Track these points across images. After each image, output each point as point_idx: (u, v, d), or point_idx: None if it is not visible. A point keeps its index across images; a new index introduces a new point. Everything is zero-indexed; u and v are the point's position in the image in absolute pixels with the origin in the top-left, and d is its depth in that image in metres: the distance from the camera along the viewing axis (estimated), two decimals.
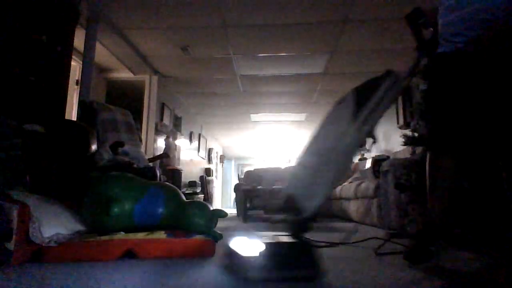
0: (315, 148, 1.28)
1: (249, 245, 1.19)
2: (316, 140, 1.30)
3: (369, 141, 1.22)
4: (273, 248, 1.13)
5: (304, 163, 1.31)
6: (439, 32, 1.43)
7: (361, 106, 1.17)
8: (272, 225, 3.67)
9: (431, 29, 1.50)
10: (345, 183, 5.37)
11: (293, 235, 1.18)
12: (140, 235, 1.73)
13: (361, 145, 1.20)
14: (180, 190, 2.13)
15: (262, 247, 1.12)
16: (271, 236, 1.38)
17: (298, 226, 1.16)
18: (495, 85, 1.25)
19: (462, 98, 1.30)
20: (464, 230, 1.43)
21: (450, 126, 1.34)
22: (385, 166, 3.36)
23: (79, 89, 3.79)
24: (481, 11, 1.27)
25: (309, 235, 2.52)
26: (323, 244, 2.07)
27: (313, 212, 1.11)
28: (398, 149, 5.09)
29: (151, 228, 1.82)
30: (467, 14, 1.30)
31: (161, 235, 1.75)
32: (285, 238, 1.23)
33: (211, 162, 9.92)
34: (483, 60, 1.27)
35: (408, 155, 3.87)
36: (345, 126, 1.18)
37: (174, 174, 5.62)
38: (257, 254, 1.10)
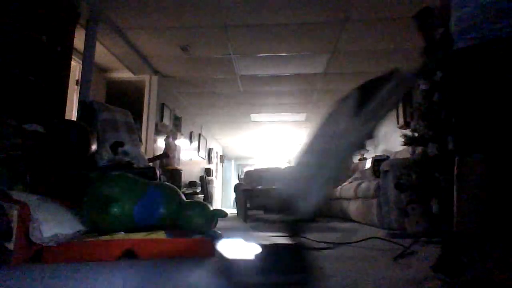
0: (314, 147, 1.25)
1: (242, 248, 1.18)
2: (315, 139, 1.26)
3: (370, 141, 1.19)
4: (267, 251, 1.11)
5: (302, 163, 1.29)
6: (452, 28, 1.38)
7: (364, 105, 1.13)
8: (271, 225, 3.66)
9: (442, 29, 1.43)
10: (345, 183, 5.37)
11: (289, 236, 1.15)
12: (140, 235, 1.73)
13: (362, 145, 1.16)
14: (180, 190, 2.13)
15: (257, 250, 1.09)
16: (266, 237, 1.35)
17: (295, 227, 1.13)
18: None
19: (488, 96, 1.24)
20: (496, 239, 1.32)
21: (478, 127, 1.27)
22: (385, 166, 3.36)
23: (79, 89, 3.79)
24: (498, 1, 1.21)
25: (310, 236, 2.53)
26: (324, 245, 2.07)
27: (310, 213, 1.09)
28: (398, 149, 5.09)
29: (151, 228, 1.82)
30: (482, 5, 1.24)
31: (161, 235, 1.75)
32: (281, 239, 1.21)
33: (211, 162, 9.92)
34: (504, 54, 1.21)
35: (408, 155, 3.87)
36: (346, 125, 1.15)
37: (174, 174, 5.62)
38: (251, 257, 1.08)
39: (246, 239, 1.26)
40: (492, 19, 1.23)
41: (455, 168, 1.33)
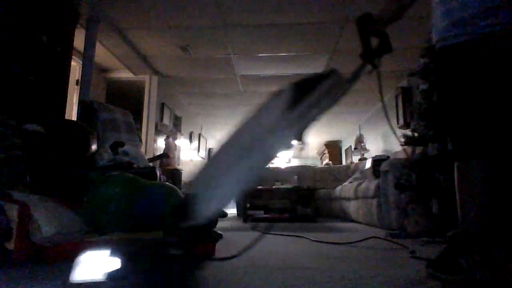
0: (235, 140, 1.10)
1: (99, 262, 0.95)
2: (238, 131, 1.11)
3: (297, 143, 1.06)
4: (129, 265, 0.93)
5: (218, 157, 1.11)
6: (435, 25, 1.36)
7: (297, 102, 1.04)
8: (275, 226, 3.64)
9: (377, 38, 1.42)
10: (345, 183, 5.37)
11: (176, 246, 0.99)
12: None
13: (288, 145, 1.06)
14: (180, 190, 2.13)
15: (115, 265, 0.91)
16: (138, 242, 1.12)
17: (186, 234, 0.97)
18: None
19: (484, 96, 1.21)
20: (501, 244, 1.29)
21: (476, 131, 1.23)
22: (385, 166, 3.36)
23: (79, 89, 3.80)
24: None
25: (310, 236, 2.53)
26: (324, 245, 2.07)
27: (207, 219, 0.91)
28: (398, 149, 5.09)
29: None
30: (466, 3, 1.22)
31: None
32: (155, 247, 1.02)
33: None
34: (494, 51, 1.18)
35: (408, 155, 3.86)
36: (275, 120, 1.04)
37: (174, 174, 5.62)
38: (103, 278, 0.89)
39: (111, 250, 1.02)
40: (481, 14, 1.20)
41: (455, 173, 1.31)
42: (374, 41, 1.40)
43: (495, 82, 1.20)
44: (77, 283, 0.92)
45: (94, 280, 0.88)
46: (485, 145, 1.23)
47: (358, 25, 1.41)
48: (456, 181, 1.30)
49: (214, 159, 1.14)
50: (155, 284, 0.90)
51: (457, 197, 1.30)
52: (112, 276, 0.88)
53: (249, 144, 1.01)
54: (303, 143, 1.04)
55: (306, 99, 1.05)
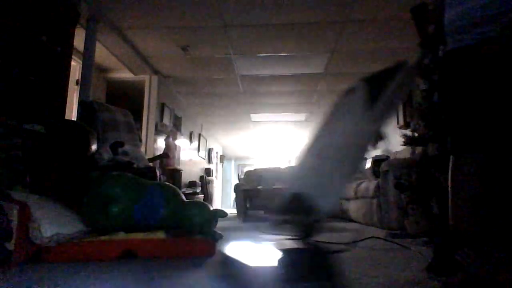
0: (322, 144, 1.16)
1: (254, 252, 1.07)
2: (322, 136, 1.18)
3: (381, 142, 1.13)
4: (292, 257, 0.98)
5: (308, 162, 1.20)
6: (445, 28, 1.39)
7: (375, 98, 1.06)
8: (274, 227, 3.64)
9: (433, 26, 1.44)
10: None
11: (302, 238, 1.04)
12: (140, 235, 1.73)
13: (376, 141, 1.09)
14: (180, 190, 2.13)
15: (276, 255, 0.98)
16: (276, 239, 1.24)
17: (309, 228, 1.03)
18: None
19: (481, 95, 1.24)
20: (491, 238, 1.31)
21: (472, 126, 1.27)
22: (385, 166, 3.36)
23: (79, 89, 3.79)
24: (487, 6, 1.23)
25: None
26: (324, 245, 2.07)
27: (328, 211, 0.99)
28: (398, 149, 5.09)
29: (151, 228, 1.82)
30: (472, 9, 1.25)
31: (161, 235, 1.75)
32: (293, 243, 1.10)
33: (211, 162, 9.92)
34: (497, 55, 1.21)
35: (408, 155, 3.87)
36: (358, 119, 1.07)
37: (174, 174, 5.62)
38: (272, 264, 0.95)
39: (255, 242, 1.17)
40: (483, 20, 1.23)
41: (450, 167, 1.33)
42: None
43: (491, 84, 1.23)
44: (252, 266, 1.03)
45: (266, 265, 0.99)
46: (480, 139, 1.25)
47: (413, 14, 1.42)
48: (449, 175, 1.32)
49: (302, 164, 1.20)
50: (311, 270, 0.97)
51: (449, 190, 1.32)
52: (282, 263, 0.95)
53: (338, 146, 1.07)
54: (386, 138, 1.07)
55: (383, 94, 1.06)
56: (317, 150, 1.18)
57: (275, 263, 0.96)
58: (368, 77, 1.14)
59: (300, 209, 1.02)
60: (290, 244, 1.13)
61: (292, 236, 1.10)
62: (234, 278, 1.14)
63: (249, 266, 1.05)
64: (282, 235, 1.37)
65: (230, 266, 1.18)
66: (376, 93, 1.07)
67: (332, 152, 1.09)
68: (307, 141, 1.20)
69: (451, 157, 1.33)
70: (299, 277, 0.95)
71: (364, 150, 1.08)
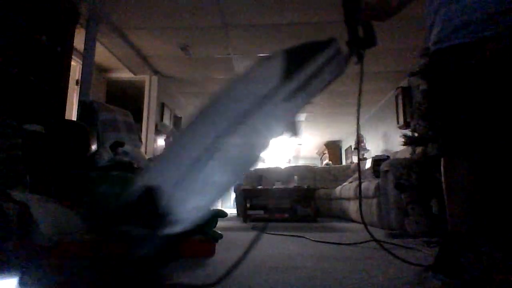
0: (218, 111, 0.83)
1: None
2: (221, 99, 0.87)
3: (290, 133, 0.89)
4: None
5: (193, 133, 0.82)
6: (437, 26, 1.37)
7: (293, 70, 0.86)
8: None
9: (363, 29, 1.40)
10: (345, 183, 5.37)
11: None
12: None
13: (284, 128, 0.87)
14: None
15: None
16: None
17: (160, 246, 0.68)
18: (506, 79, 1.19)
19: (472, 95, 1.23)
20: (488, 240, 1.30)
21: (463, 127, 1.26)
22: (385, 166, 3.36)
23: (79, 89, 3.79)
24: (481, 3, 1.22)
25: (311, 236, 2.53)
26: (323, 245, 2.07)
27: (190, 223, 0.67)
28: (398, 149, 5.09)
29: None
30: (467, 7, 1.24)
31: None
32: None
33: None
34: (490, 54, 1.20)
35: (408, 155, 3.87)
36: (269, 89, 0.84)
37: None
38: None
39: None
40: (477, 20, 1.22)
41: (442, 168, 1.33)
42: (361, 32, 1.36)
43: (483, 84, 1.22)
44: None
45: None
46: (471, 142, 1.25)
47: (344, 9, 1.34)
48: (443, 177, 1.32)
49: (183, 136, 0.85)
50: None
51: (444, 192, 1.31)
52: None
53: (236, 117, 0.77)
54: (296, 135, 0.89)
55: (304, 68, 0.89)
56: (200, 121, 0.84)
57: None
58: (289, 48, 0.94)
59: (145, 212, 0.71)
60: None
61: None
62: None
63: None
64: None
65: None
66: (295, 66, 0.88)
67: (217, 126, 0.78)
68: (199, 105, 0.87)
69: (441, 159, 1.33)
70: None
71: (262, 131, 0.81)
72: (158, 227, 0.66)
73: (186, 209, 0.67)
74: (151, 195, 0.68)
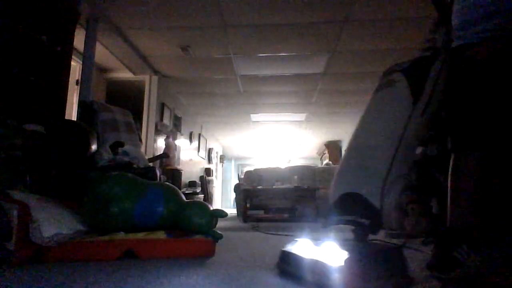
0: (361, 144, 1.12)
1: (325, 252, 1.02)
2: (358, 135, 1.14)
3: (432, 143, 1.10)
4: (364, 255, 0.95)
5: (352, 160, 1.14)
6: (453, 23, 1.37)
7: (419, 89, 1.01)
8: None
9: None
10: None
11: (359, 238, 1.01)
12: (140, 235, 1.73)
13: (425, 140, 1.12)
14: (180, 190, 2.13)
15: (344, 255, 0.94)
16: (338, 241, 1.16)
17: (368, 229, 0.98)
18: None
19: (485, 94, 1.23)
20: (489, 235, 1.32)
21: (473, 124, 1.26)
22: None
23: (79, 89, 3.79)
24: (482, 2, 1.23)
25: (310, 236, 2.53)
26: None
27: (387, 212, 0.94)
28: None
29: (151, 228, 1.82)
30: (472, 5, 1.24)
31: (161, 235, 1.75)
32: (354, 243, 1.09)
33: (211, 162, 9.92)
34: (499, 55, 1.20)
35: None
36: (404, 111, 1.02)
37: (174, 174, 5.62)
38: (341, 263, 0.93)
39: (316, 243, 1.14)
40: (478, 19, 1.22)
41: (451, 165, 1.33)
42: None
43: (495, 82, 1.22)
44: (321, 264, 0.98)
45: (333, 264, 0.95)
46: (481, 138, 1.25)
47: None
48: (450, 173, 1.32)
49: (349, 162, 1.16)
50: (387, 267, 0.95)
51: (449, 188, 1.32)
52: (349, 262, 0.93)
53: (384, 145, 1.04)
54: (436, 142, 1.04)
55: (426, 83, 1.00)
56: (358, 150, 1.13)
57: (343, 262, 0.92)
58: (404, 69, 1.07)
59: (357, 209, 0.97)
60: (351, 244, 1.09)
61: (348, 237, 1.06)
62: (300, 276, 1.09)
63: (320, 263, 0.99)
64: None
65: (293, 264, 1.13)
66: (419, 84, 0.99)
67: (373, 152, 1.04)
68: (351, 138, 1.16)
69: (452, 155, 1.33)
70: (373, 275, 0.91)
71: (411, 148, 1.04)
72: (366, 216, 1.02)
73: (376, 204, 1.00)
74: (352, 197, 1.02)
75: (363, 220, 0.99)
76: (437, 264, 1.29)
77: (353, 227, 1.03)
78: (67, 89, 3.11)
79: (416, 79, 1.03)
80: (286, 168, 6.91)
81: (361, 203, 0.97)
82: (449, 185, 1.33)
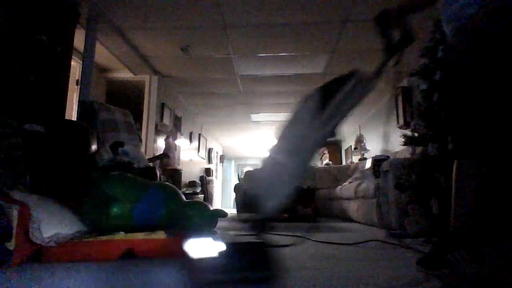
0: (281, 147, 1.28)
1: (207, 247, 1.16)
2: (282, 139, 1.28)
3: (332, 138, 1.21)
4: (231, 249, 1.09)
5: (268, 163, 1.29)
6: (448, 23, 1.39)
7: (324, 105, 1.16)
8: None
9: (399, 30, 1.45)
10: (345, 183, 5.37)
11: (255, 235, 1.14)
12: (140, 235, 1.73)
13: (323, 143, 1.24)
14: (180, 190, 2.13)
15: (221, 248, 1.08)
16: (233, 236, 1.31)
17: (259, 226, 1.14)
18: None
19: (487, 100, 1.23)
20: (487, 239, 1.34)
21: (477, 132, 1.27)
22: (385, 166, 3.36)
23: (79, 89, 3.80)
24: (465, 6, 1.25)
25: (311, 236, 2.54)
26: (324, 245, 2.07)
27: (271, 212, 1.10)
28: (398, 149, 5.09)
29: (151, 228, 1.82)
30: (455, 9, 1.27)
31: (161, 235, 1.74)
32: (246, 238, 1.21)
33: (211, 162, 9.92)
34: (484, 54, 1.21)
35: (408, 155, 3.87)
36: (308, 125, 1.18)
37: (174, 174, 5.62)
38: (214, 255, 1.05)
39: (215, 239, 1.25)
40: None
41: (453, 170, 1.34)
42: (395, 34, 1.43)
43: (498, 86, 1.22)
44: (197, 259, 1.09)
45: (211, 256, 1.04)
46: (483, 145, 1.25)
47: (376, 24, 1.45)
48: (453, 179, 1.33)
49: (265, 165, 1.29)
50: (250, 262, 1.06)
51: (453, 193, 1.33)
52: (223, 255, 1.04)
53: (292, 150, 1.17)
54: (336, 136, 1.17)
55: (332, 101, 1.15)
56: (274, 154, 1.28)
57: (215, 255, 1.04)
58: (322, 85, 1.22)
59: (254, 208, 1.12)
60: (241, 238, 1.24)
61: (249, 232, 1.17)
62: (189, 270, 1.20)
63: (196, 258, 1.12)
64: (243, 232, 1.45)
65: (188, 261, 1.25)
66: (325, 101, 1.16)
67: (285, 156, 1.20)
68: (275, 141, 1.30)
69: (454, 161, 1.34)
70: (238, 267, 1.03)
71: (311, 155, 1.18)
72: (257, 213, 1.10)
73: (264, 203, 1.10)
74: (254, 197, 1.14)
75: (256, 218, 1.14)
76: (426, 261, 1.33)
77: (252, 224, 1.18)
78: (67, 89, 3.11)
79: (325, 95, 1.18)
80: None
81: (257, 203, 1.14)
82: (453, 190, 1.34)
